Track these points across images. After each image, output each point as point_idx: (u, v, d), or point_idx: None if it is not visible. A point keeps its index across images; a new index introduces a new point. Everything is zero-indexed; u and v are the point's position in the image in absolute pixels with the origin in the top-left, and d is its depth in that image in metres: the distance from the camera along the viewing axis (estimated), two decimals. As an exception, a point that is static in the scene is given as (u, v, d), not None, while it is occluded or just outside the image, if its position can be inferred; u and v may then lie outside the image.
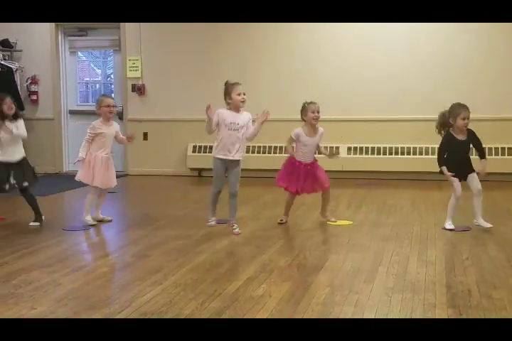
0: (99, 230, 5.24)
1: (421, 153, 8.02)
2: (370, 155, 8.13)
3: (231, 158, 4.91)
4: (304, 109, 5.23)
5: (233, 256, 4.37)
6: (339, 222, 5.37)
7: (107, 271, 4.02)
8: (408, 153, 8.07)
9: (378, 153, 8.16)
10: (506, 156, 7.52)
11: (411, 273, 3.83)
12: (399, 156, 8.08)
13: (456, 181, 5.04)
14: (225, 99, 4.93)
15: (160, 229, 5.20)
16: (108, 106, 5.30)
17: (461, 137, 4.99)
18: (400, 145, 8.11)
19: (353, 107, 8.21)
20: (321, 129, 5.30)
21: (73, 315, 3.14)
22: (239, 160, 4.98)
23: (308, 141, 5.24)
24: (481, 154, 5.05)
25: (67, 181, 8.31)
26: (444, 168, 4.98)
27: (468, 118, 4.93)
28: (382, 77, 8.12)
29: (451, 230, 5.01)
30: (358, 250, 4.48)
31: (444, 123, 5.02)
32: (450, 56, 7.97)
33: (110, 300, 3.38)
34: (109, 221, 5.48)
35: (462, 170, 5.03)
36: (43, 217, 5.37)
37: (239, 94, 4.87)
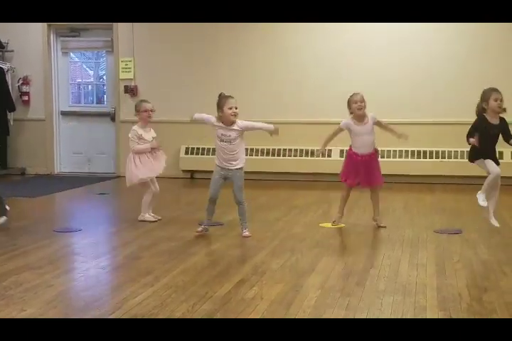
0: (90, 232, 5.22)
1: (414, 156, 8.04)
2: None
3: (227, 166, 4.94)
4: (349, 102, 5.26)
5: (225, 258, 4.36)
6: (330, 225, 5.37)
7: (98, 272, 4.00)
8: (401, 156, 8.09)
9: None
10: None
11: (402, 276, 3.84)
12: (392, 159, 8.09)
13: (488, 162, 4.89)
14: (217, 111, 4.94)
15: (152, 231, 5.18)
16: (146, 110, 5.51)
17: (494, 121, 4.90)
18: (392, 149, 8.13)
19: (344, 110, 8.21)
20: (370, 115, 5.26)
21: (64, 317, 3.12)
22: (238, 169, 4.97)
23: (358, 130, 5.23)
24: (509, 136, 4.94)
25: (58, 182, 8.31)
26: (472, 140, 4.83)
27: (501, 100, 4.86)
28: (377, 81, 8.12)
29: (483, 207, 4.91)
30: (350, 252, 4.48)
31: (480, 111, 4.94)
32: (446, 60, 7.99)
33: (101, 301, 3.37)
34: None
35: (487, 153, 4.92)
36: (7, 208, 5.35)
37: (230, 108, 4.87)
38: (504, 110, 4.91)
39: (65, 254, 4.52)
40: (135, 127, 5.51)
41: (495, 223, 4.99)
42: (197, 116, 5.21)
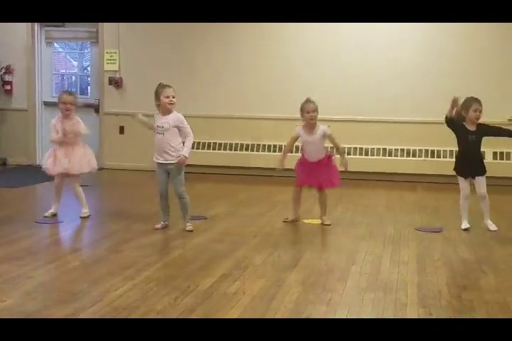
0: (72, 224, 5.18)
1: (397, 155, 8.08)
2: (346, 156, 8.13)
3: (161, 161, 4.90)
4: (302, 110, 5.20)
5: (207, 253, 4.35)
6: (314, 221, 5.38)
7: (78, 264, 3.98)
8: (384, 154, 8.12)
9: (355, 154, 8.19)
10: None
11: (383, 273, 3.86)
12: (375, 157, 8.12)
13: (461, 180, 5.12)
14: (155, 101, 4.93)
15: (133, 224, 5.16)
16: (64, 103, 5.31)
17: (471, 128, 5.03)
18: (376, 147, 8.16)
19: (330, 108, 8.23)
20: (321, 127, 5.21)
21: (43, 309, 3.10)
22: (174, 163, 4.90)
23: (306, 138, 5.22)
24: (508, 132, 5.08)
25: (39, 173, 8.22)
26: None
27: (480, 111, 4.96)
28: (362, 80, 8.14)
29: (465, 230, 5.07)
30: (332, 249, 4.50)
31: (459, 118, 5.04)
32: (432, 60, 8.01)
33: (81, 294, 3.34)
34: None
35: (470, 167, 5.08)
36: None
37: (167, 97, 4.85)
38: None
39: (45, 246, 4.49)
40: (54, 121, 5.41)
41: (491, 227, 5.08)
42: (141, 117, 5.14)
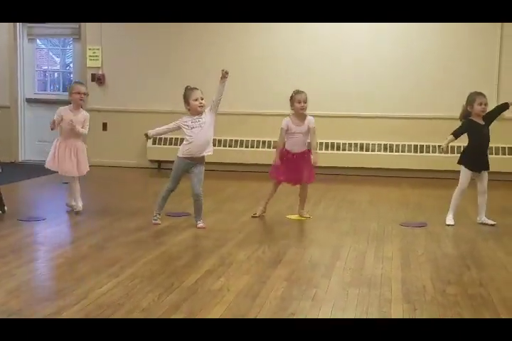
0: (55, 221, 5.14)
1: (380, 150, 8.11)
2: (330, 151, 8.17)
3: (199, 155, 4.92)
4: (292, 99, 5.20)
5: (192, 249, 4.34)
6: (298, 217, 5.39)
7: (62, 262, 3.95)
8: (367, 150, 8.15)
9: (338, 149, 8.21)
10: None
11: (368, 269, 3.87)
12: (359, 152, 8.15)
13: (466, 174, 5.11)
14: (185, 105, 4.93)
15: (118, 221, 5.13)
16: (79, 93, 5.33)
17: (480, 121, 5.07)
18: (359, 142, 8.18)
19: (315, 103, 8.23)
20: (309, 118, 5.22)
21: (26, 307, 3.08)
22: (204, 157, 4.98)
23: (294, 129, 5.20)
24: (502, 105, 5.16)
25: (22, 171, 8.17)
26: (450, 138, 5.05)
27: (485, 104, 5.01)
28: (351, 76, 8.16)
29: (450, 225, 5.10)
30: (316, 245, 4.51)
31: (466, 114, 5.08)
32: (421, 57, 8.03)
33: (65, 291, 3.32)
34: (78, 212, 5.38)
35: (478, 162, 5.10)
36: (5, 208, 5.29)
37: (196, 99, 4.84)
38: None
39: (28, 244, 4.45)
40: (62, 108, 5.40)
41: (490, 221, 5.12)
42: (152, 132, 5.05)
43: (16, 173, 7.71)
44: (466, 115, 5.11)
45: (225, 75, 4.87)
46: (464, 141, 5.23)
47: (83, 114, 5.39)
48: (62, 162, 5.29)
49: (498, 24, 7.75)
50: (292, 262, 3.99)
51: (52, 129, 5.30)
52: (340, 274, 3.75)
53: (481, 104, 5.00)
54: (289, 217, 5.40)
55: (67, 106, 5.42)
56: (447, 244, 4.56)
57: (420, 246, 4.45)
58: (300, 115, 5.20)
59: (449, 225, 5.12)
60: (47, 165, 5.39)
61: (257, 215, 5.34)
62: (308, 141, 5.30)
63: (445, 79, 7.99)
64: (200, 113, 4.89)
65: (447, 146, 5.10)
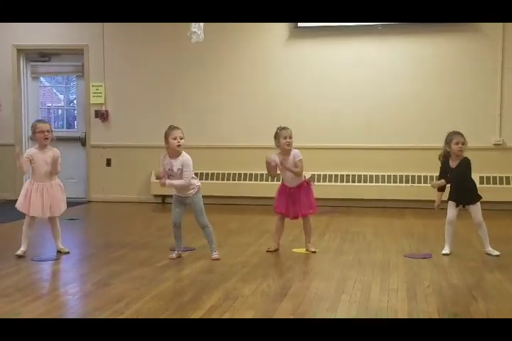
0: (59, 258, 5.14)
1: (384, 181, 8.13)
2: (333, 183, 8.20)
3: (179, 194, 5.05)
4: (277, 135, 5.25)
5: (197, 284, 4.33)
6: (302, 250, 5.37)
7: (67, 300, 3.94)
8: (371, 181, 8.17)
9: (341, 181, 8.24)
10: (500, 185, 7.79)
11: (373, 301, 3.84)
12: (362, 184, 8.17)
13: (450, 205, 5.20)
14: (164, 143, 5.02)
15: (122, 257, 5.13)
16: (42, 131, 5.14)
17: (453, 165, 5.16)
18: (363, 173, 8.21)
19: (316, 135, 8.30)
20: (294, 152, 5.26)
21: (31, 346, 3.05)
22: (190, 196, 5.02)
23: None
24: (463, 178, 5.20)
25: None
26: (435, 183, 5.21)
27: (462, 143, 5.09)
28: (348, 107, 8.25)
29: (445, 255, 5.14)
30: (321, 278, 4.49)
31: (445, 153, 5.18)
32: (416, 86, 8.13)
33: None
34: (67, 253, 5.28)
35: (460, 196, 5.17)
36: None
37: (175, 138, 4.92)
38: None
39: (33, 281, 4.44)
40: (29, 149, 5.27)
41: (494, 252, 5.12)
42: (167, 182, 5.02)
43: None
44: (445, 154, 5.18)
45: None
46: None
47: (52, 152, 5.16)
48: (34, 203, 5.12)
49: (499, 54, 7.86)
50: (297, 296, 3.97)
51: (23, 171, 5.17)
52: (346, 308, 3.72)
53: (457, 143, 5.09)
54: (294, 250, 5.38)
55: (32, 147, 5.28)
56: (453, 275, 4.53)
57: (426, 278, 4.43)
58: (286, 151, 5.24)
59: (445, 254, 5.15)
60: (18, 207, 5.21)
61: (271, 250, 5.33)
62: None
63: (446, 110, 8.05)
64: (178, 152, 4.96)
65: (437, 184, 5.22)
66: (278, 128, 5.29)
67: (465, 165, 5.15)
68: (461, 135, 5.13)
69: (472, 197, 5.17)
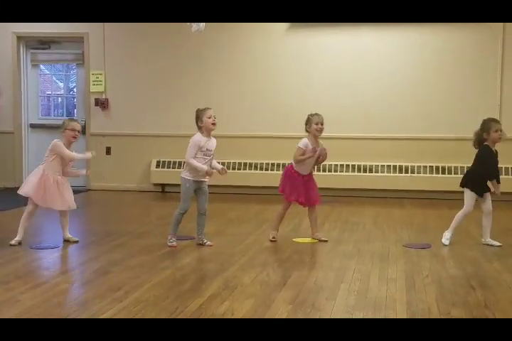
0: (60, 246, 5.14)
1: (383, 171, 8.13)
2: (333, 173, 8.20)
3: (203, 179, 5.07)
4: (309, 121, 5.26)
5: (196, 273, 4.34)
6: (302, 240, 5.38)
7: (66, 287, 3.95)
8: (371, 171, 8.17)
9: (341, 171, 8.24)
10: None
11: (372, 291, 3.86)
12: (362, 174, 8.17)
13: (473, 198, 5.17)
14: (197, 123, 5.01)
15: (122, 246, 5.14)
16: (74, 130, 5.14)
17: (494, 148, 5.15)
18: (362, 163, 8.21)
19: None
20: (321, 142, 5.32)
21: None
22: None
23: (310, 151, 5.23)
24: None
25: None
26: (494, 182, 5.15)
27: (501, 131, 5.10)
28: (349, 96, 8.23)
29: (446, 245, 5.14)
30: (321, 267, 4.50)
31: (480, 140, 5.13)
32: (421, 78, 8.11)
33: (70, 317, 3.31)
34: (76, 242, 5.28)
35: (485, 186, 5.17)
36: None
37: (210, 117, 4.96)
38: None
39: (33, 269, 4.45)
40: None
41: (495, 243, 5.13)
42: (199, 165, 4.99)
43: (20, 199, 7.73)
44: (480, 141, 5.15)
45: (222, 172, 5.05)
46: (464, 161, 5.26)
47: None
48: (53, 195, 5.11)
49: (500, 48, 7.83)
50: (297, 285, 3.98)
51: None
52: (345, 297, 3.73)
53: (497, 131, 5.08)
54: (295, 240, 5.38)
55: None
56: (452, 265, 4.54)
57: (425, 268, 4.44)
58: (316, 137, 5.25)
59: (445, 245, 5.14)
60: (29, 195, 5.15)
61: (275, 239, 5.33)
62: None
63: (445, 101, 8.04)
64: (210, 131, 4.98)
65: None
66: (310, 114, 5.29)
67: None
68: (498, 122, 5.14)
69: (468, 180, 5.17)
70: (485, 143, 5.12)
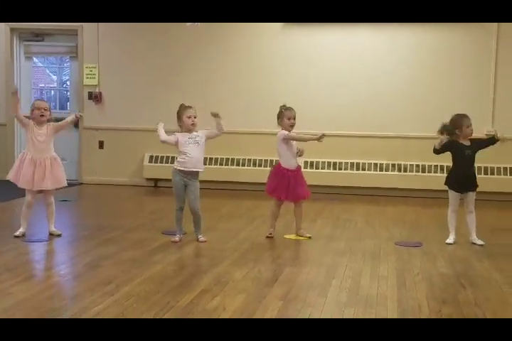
0: (51, 240, 5.13)
1: (376, 169, 8.14)
2: (326, 170, 8.20)
3: (195, 170, 5.04)
4: (281, 115, 5.18)
5: (187, 268, 4.34)
6: (294, 236, 5.39)
7: (57, 281, 3.95)
8: (363, 169, 8.18)
9: (334, 168, 8.24)
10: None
11: (363, 288, 3.87)
12: (355, 172, 8.17)
13: (453, 194, 5.20)
14: (178, 122, 5.02)
15: (113, 240, 5.13)
16: (39, 108, 5.16)
17: (466, 143, 5.15)
18: (355, 161, 8.21)
19: (310, 122, 8.28)
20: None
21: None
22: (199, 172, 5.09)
23: (291, 143, 5.22)
24: (490, 138, 5.24)
25: (19, 188, 8.12)
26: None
27: (471, 126, 5.12)
28: (344, 95, 8.22)
29: (448, 244, 5.14)
30: (312, 264, 4.51)
31: (450, 134, 5.13)
32: (412, 77, 8.12)
33: (60, 310, 3.31)
34: (59, 235, 5.25)
35: (464, 182, 5.17)
36: None
37: (189, 117, 4.93)
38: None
39: (24, 262, 4.44)
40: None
41: (479, 241, 5.15)
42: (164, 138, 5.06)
43: (13, 191, 7.70)
44: (449, 133, 5.13)
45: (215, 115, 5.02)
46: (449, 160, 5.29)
47: (47, 127, 5.21)
48: (25, 175, 5.15)
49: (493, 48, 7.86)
50: (288, 281, 3.99)
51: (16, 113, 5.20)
52: (336, 293, 3.75)
53: (469, 127, 5.11)
54: (286, 236, 5.39)
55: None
56: (442, 263, 4.56)
57: (416, 266, 4.46)
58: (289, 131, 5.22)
59: (448, 244, 5.15)
60: (10, 178, 5.28)
61: (272, 236, 5.32)
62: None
63: (441, 100, 8.05)
64: (191, 130, 4.95)
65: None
66: (282, 107, 5.21)
67: (478, 139, 5.15)
68: (468, 117, 5.14)
69: (475, 183, 5.20)
70: (453, 139, 5.13)
